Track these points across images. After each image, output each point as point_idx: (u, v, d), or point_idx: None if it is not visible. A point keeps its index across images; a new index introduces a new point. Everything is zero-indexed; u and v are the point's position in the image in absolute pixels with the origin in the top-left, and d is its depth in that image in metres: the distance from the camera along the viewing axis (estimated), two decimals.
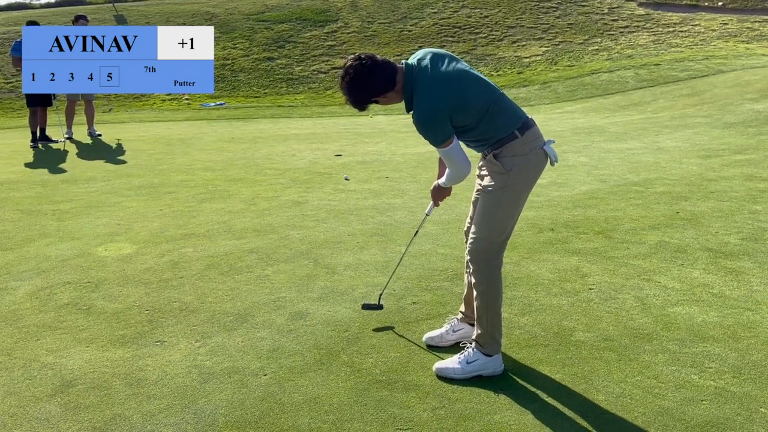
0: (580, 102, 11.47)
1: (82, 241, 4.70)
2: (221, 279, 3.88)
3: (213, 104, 14.10)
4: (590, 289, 3.62)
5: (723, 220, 4.74)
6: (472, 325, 2.86)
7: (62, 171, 7.34)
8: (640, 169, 6.57)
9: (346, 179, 6.82)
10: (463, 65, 2.74)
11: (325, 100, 14.28)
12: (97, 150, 8.81)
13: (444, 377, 2.73)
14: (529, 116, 2.78)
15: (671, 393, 2.58)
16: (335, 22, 18.72)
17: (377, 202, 5.64)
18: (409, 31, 17.93)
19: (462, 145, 2.90)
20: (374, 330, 3.18)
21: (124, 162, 7.86)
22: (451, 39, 17.25)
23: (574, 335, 3.07)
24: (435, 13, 18.80)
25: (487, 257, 2.73)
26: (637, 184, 5.95)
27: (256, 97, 14.97)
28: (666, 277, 3.74)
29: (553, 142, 2.77)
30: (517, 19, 18.03)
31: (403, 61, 2.76)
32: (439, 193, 3.26)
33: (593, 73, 13.01)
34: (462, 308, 3.05)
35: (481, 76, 2.79)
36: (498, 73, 14.81)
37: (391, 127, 10.51)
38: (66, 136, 9.98)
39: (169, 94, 14.77)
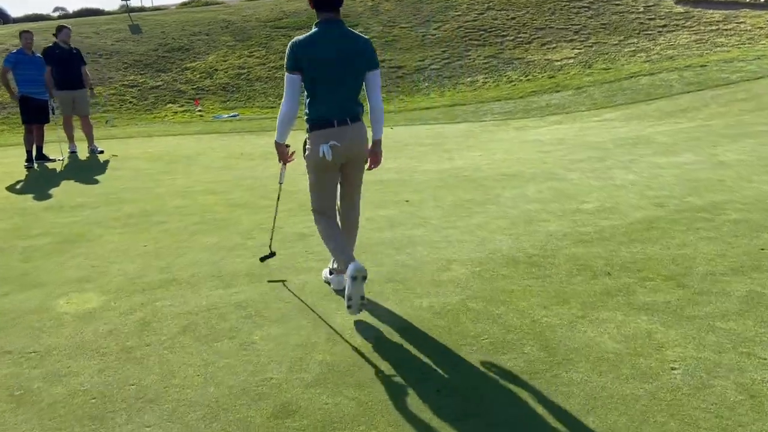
0: (620, 108, 10.51)
1: (45, 289, 3.98)
2: (196, 349, 3.09)
3: (226, 116, 13.45)
4: (673, 369, 2.74)
5: None
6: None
7: (49, 196, 6.68)
8: (702, 189, 5.63)
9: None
10: None
11: None
12: (94, 170, 8.16)
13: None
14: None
15: None
16: (355, 27, 17.99)
17: (394, 235, 4.82)
18: (432, 35, 17.11)
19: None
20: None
21: (119, 184, 7.19)
22: (476, 42, 16.38)
23: None
24: (459, 15, 17.95)
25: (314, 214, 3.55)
26: (703, 209, 5.02)
27: (272, 107, 14.28)
28: None
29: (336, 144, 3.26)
30: (546, 20, 17.08)
31: None
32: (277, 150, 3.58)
33: (632, 77, 12.02)
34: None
35: None
36: (528, 77, 13.89)
37: (412, 140, 9.69)
38: (70, 151, 9.40)
39: (182, 106, 14.19)
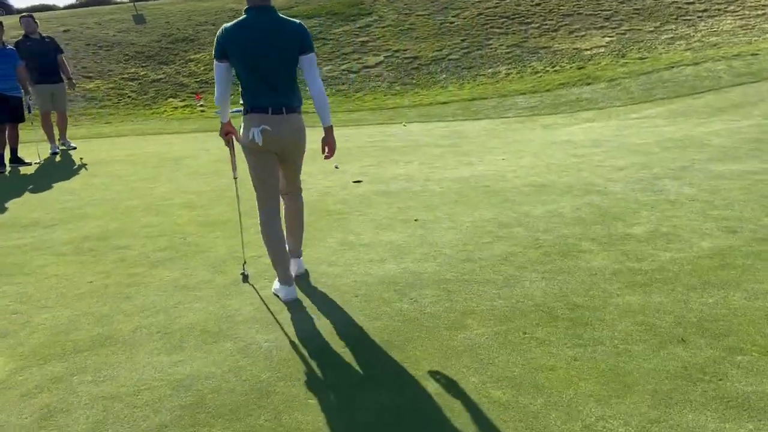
0: (662, 103, 9.37)
1: None
2: None
3: (230, 111, 12.55)
4: None
5: None
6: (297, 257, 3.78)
7: (2, 211, 5.83)
8: None
9: (336, 167, 6.00)
10: None
11: (354, 104, 12.55)
12: (67, 177, 7.29)
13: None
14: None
15: None
16: (369, 15, 16.97)
17: (398, 269, 3.85)
18: (451, 23, 16.01)
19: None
20: None
21: (88, 195, 6.31)
22: (498, 30, 15.25)
23: None
24: (479, 1, 16.80)
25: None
26: None
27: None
28: None
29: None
30: (574, 5, 15.86)
31: None
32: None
33: (673, 67, 10.83)
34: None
35: None
36: (555, 68, 12.76)
37: (427, 139, 8.68)
38: (51, 152, 8.61)
39: (183, 101, 13.34)
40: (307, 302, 3.47)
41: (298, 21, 3.27)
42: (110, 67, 14.98)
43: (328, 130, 3.35)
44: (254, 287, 3.71)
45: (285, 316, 3.29)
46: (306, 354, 2.89)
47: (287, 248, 3.54)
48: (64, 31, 16.63)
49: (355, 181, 6.33)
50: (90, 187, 6.67)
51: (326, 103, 3.32)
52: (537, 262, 3.85)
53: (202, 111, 12.84)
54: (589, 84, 10.99)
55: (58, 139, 8.88)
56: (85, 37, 16.41)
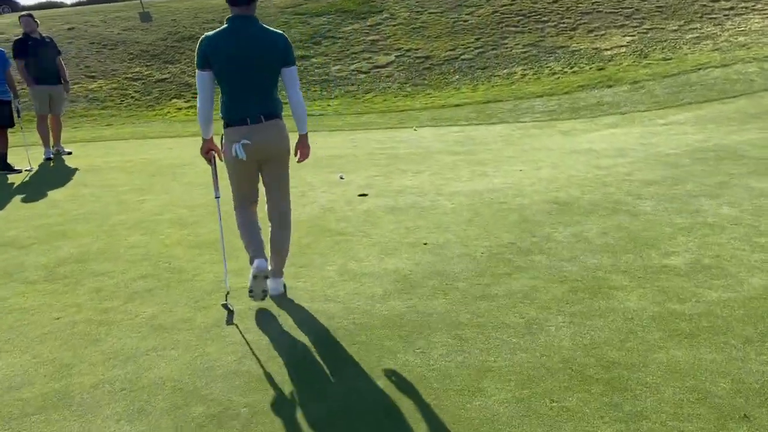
0: (689, 108, 8.80)
1: None
2: None
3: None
4: None
5: None
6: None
7: None
8: None
9: (341, 178, 5.79)
10: None
11: (363, 106, 12.08)
12: (56, 187, 6.86)
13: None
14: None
15: None
16: (380, 13, 16.48)
17: (404, 307, 3.38)
18: (465, 21, 15.47)
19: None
20: None
21: (74, 209, 5.89)
22: (513, 29, 14.70)
23: None
24: None
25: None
26: None
27: (284, 103, 12.90)
28: None
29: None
30: (593, 3, 15.26)
31: None
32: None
33: (700, 69, 10.24)
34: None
35: None
36: (573, 69, 12.19)
37: (439, 146, 8.18)
38: (45, 157, 8.24)
39: (187, 101, 12.94)
40: (296, 351, 3.01)
41: (280, 32, 3.28)
42: (114, 67, 14.62)
43: (303, 137, 3.44)
44: (238, 328, 3.26)
45: (270, 369, 2.84)
46: (290, 426, 2.43)
47: (268, 267, 3.46)
48: (69, 29, 16.31)
49: (360, 195, 5.86)
50: (78, 198, 6.26)
51: (304, 114, 3.38)
52: (563, 301, 3.37)
53: None
54: (610, 86, 10.43)
55: (53, 145, 8.50)
56: (90, 36, 16.07)
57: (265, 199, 3.53)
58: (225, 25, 3.16)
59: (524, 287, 3.58)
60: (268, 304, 3.54)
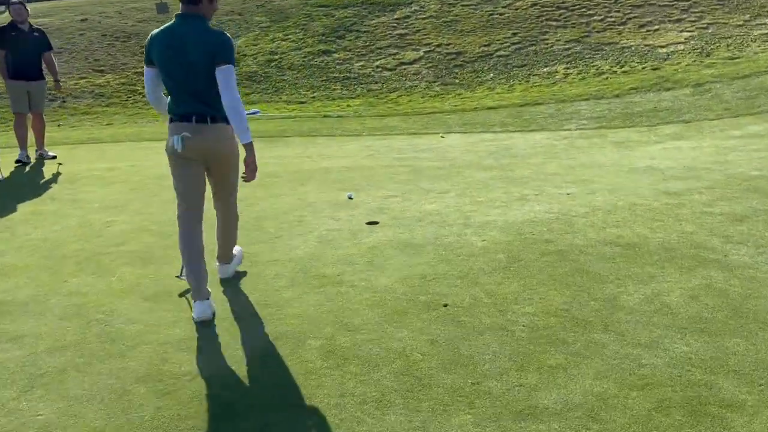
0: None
1: None
2: None
3: (246, 113, 11.14)
4: None
5: None
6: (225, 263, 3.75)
7: None
8: None
9: (350, 198, 5.16)
10: None
11: (386, 107, 10.95)
12: (16, 200, 5.88)
13: None
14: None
15: None
16: (409, 5, 15.29)
17: (407, 425, 2.27)
18: (500, 14, 14.20)
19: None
20: None
21: (25, 233, 4.89)
22: (555, 23, 13.37)
23: None
24: None
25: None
26: None
27: (301, 102, 11.87)
28: None
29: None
30: None
31: None
32: None
33: None
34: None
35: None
36: (623, 69, 10.84)
37: (468, 158, 7.01)
38: (17, 160, 7.38)
39: None
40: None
41: (221, 32, 3.18)
42: (124, 60, 13.78)
43: (246, 147, 3.15)
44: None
45: None
46: None
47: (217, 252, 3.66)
48: (82, 20, 15.57)
49: (369, 223, 4.76)
50: (36, 218, 5.29)
51: (238, 117, 3.10)
52: (651, 427, 2.21)
53: None
54: (668, 89, 9.08)
55: (36, 150, 7.62)
56: (102, 27, 15.29)
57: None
58: (171, 21, 3.21)
59: (587, 396, 2.43)
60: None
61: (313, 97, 12.07)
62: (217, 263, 3.73)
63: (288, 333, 3.09)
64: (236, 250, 3.83)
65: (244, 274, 3.90)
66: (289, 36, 14.69)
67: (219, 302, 3.47)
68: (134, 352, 2.95)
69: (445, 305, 3.31)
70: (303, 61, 13.59)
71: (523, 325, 3.03)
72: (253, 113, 11.16)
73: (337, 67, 13.23)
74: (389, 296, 3.44)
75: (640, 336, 2.88)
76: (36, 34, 7.45)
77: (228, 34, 3.24)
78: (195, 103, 3.14)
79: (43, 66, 7.48)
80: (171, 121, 3.23)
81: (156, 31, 3.24)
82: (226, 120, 3.15)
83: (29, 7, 7.74)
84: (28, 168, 7.25)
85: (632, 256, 3.83)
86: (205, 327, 3.21)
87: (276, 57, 13.86)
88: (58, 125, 7.83)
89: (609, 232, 4.25)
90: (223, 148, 3.26)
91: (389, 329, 3.06)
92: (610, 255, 3.86)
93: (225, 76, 3.08)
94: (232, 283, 3.76)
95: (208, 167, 3.31)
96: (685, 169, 5.80)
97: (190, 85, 3.12)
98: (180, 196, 3.31)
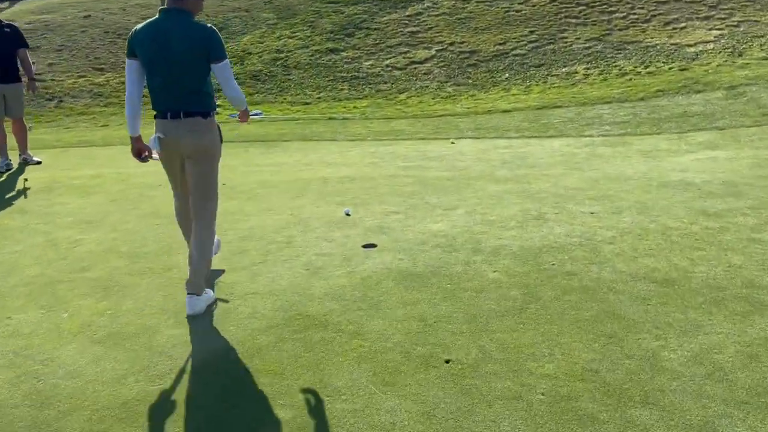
0: None
1: None
2: None
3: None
4: None
5: None
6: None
7: None
8: None
9: (347, 214, 4.78)
10: None
11: (394, 109, 10.37)
12: None
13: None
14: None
15: None
16: (421, 2, 14.68)
17: None
18: (517, 11, 13.55)
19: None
20: None
21: None
22: (574, 21, 12.70)
23: None
24: None
25: None
26: None
27: (306, 103, 11.32)
28: None
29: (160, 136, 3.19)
30: None
31: None
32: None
33: None
34: None
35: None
36: (647, 69, 10.16)
37: (481, 167, 6.41)
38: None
39: None
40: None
41: (210, 26, 3.17)
42: (123, 59, 13.33)
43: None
44: None
45: None
46: None
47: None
48: (85, 17, 15.15)
49: (365, 246, 4.20)
50: (2, 233, 4.80)
51: (242, 104, 3.43)
52: None
53: (217, 113, 10.97)
54: (699, 92, 8.40)
55: (19, 154, 7.17)
56: (105, 24, 14.87)
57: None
58: (155, 16, 3.16)
59: None
60: None
61: (319, 98, 11.52)
62: (187, 293, 3.28)
63: (252, 396, 2.54)
64: (215, 240, 3.66)
65: (215, 308, 3.36)
66: (297, 33, 14.15)
67: (178, 347, 2.94)
68: (64, 421, 2.42)
69: (447, 361, 2.74)
70: (310, 59, 13.04)
71: (542, 393, 2.46)
72: (255, 114, 10.63)
73: (345, 66, 12.66)
74: (381, 346, 2.88)
75: (691, 413, 2.30)
76: (7, 30, 6.93)
77: (212, 26, 3.20)
78: (178, 99, 3.15)
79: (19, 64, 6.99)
80: (155, 117, 3.26)
81: (140, 25, 3.20)
82: (203, 114, 3.19)
83: (32, 6, 7.28)
84: (4, 176, 6.79)
85: (671, 296, 3.23)
86: (155, 385, 2.67)
87: (282, 55, 13.33)
88: (29, 127, 7.22)
89: (641, 264, 3.64)
90: (201, 139, 3.22)
91: (377, 395, 2.50)
92: (644, 294, 3.26)
93: (223, 71, 3.15)
94: (198, 322, 3.22)
95: (185, 163, 3.30)
96: (724, 184, 5.15)
97: (173, 80, 3.12)
98: (173, 190, 3.52)
